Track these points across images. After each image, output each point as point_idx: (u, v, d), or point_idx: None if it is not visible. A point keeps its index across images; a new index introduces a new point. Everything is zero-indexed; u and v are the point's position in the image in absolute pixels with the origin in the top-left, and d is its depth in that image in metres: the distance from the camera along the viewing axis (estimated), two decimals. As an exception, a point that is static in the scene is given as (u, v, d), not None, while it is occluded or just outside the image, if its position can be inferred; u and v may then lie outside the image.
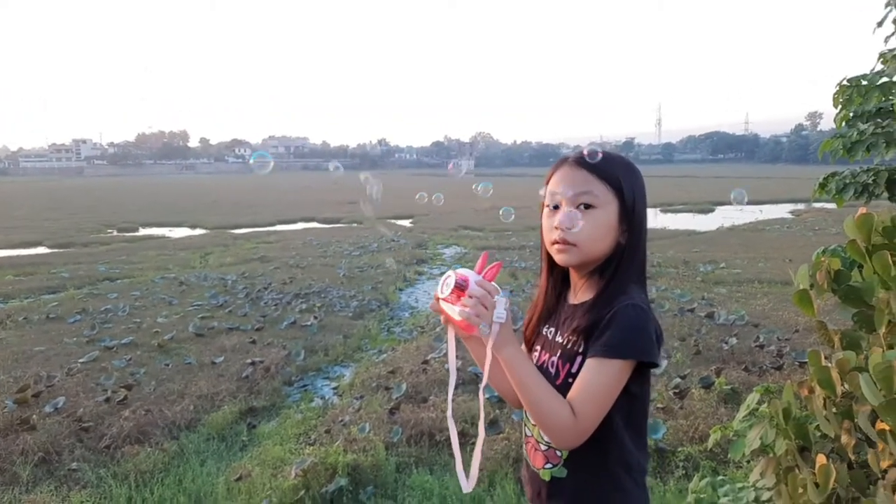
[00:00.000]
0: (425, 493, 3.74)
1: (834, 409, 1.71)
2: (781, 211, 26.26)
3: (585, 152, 1.45)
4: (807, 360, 1.80)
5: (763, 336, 6.83)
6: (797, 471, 1.86)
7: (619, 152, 1.55)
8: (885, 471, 1.53)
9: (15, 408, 4.93)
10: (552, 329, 1.54)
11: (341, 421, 4.83)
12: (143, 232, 21.82)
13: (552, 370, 1.46)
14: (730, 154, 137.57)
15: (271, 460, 4.22)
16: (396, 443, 4.39)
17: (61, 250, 16.88)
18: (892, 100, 4.17)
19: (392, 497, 3.77)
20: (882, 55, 4.46)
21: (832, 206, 5.00)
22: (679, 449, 4.15)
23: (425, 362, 6.16)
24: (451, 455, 4.23)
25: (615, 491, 1.44)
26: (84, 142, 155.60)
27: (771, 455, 2.13)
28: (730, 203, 30.09)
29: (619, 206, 1.42)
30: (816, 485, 1.65)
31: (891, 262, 1.52)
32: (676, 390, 5.14)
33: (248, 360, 6.39)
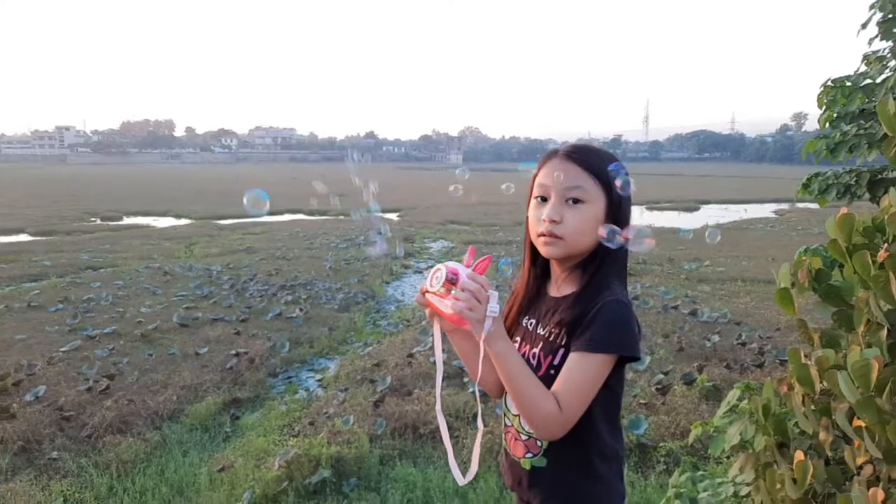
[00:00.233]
0: (408, 486, 3.75)
1: (812, 407, 1.74)
2: (765, 210, 26.51)
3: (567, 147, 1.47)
4: (787, 357, 1.83)
5: (745, 334, 6.91)
6: (775, 466, 1.89)
7: (607, 149, 1.57)
8: (861, 467, 1.56)
9: (-5, 396, 4.88)
10: (532, 321, 1.55)
11: (325, 413, 4.83)
12: (127, 221, 21.59)
13: (533, 362, 1.48)
14: (716, 153, 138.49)
15: (254, 451, 4.21)
16: (380, 435, 4.40)
17: (44, 238, 16.67)
18: (876, 101, 4.22)
19: (375, 489, 3.77)
20: (866, 57, 4.51)
21: (816, 206, 5.05)
22: (660, 444, 4.20)
23: (410, 356, 6.17)
24: (435, 448, 4.26)
25: (592, 479, 1.47)
26: (67, 129, 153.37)
27: (750, 451, 2.16)
28: (716, 202, 30.39)
29: (606, 201, 1.44)
30: (794, 480, 1.68)
31: (870, 261, 1.55)
32: (659, 386, 5.19)
33: (233, 352, 6.36)
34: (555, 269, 1.55)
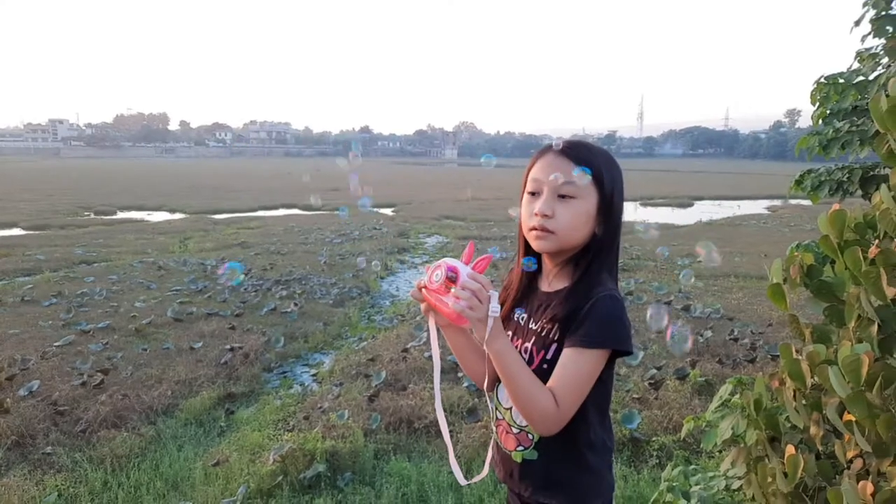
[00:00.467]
0: (403, 480, 3.76)
1: (803, 401, 1.76)
2: (759, 207, 26.57)
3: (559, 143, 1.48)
4: (779, 353, 1.84)
5: (737, 329, 6.95)
6: (767, 460, 1.91)
7: (601, 145, 1.58)
8: (851, 461, 1.58)
9: (-12, 391, 4.87)
10: (524, 315, 1.57)
11: (320, 408, 4.83)
12: (121, 215, 21.48)
13: (525, 356, 1.50)
14: (710, 149, 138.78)
15: (249, 446, 4.22)
16: (375, 430, 4.41)
17: (37, 232, 16.57)
18: (868, 98, 4.24)
19: (370, 483, 3.79)
20: (859, 54, 4.53)
21: (808, 202, 5.07)
22: (653, 439, 4.22)
23: (405, 350, 6.17)
24: (429, 442, 4.28)
25: (583, 470, 1.50)
26: (61, 122, 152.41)
27: (742, 445, 2.18)
28: (710, 199, 30.47)
29: (598, 197, 1.45)
30: (785, 474, 1.70)
31: (861, 257, 1.56)
32: (652, 381, 5.22)
33: (228, 346, 6.36)
34: (546, 263, 1.57)
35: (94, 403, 4.80)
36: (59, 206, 22.95)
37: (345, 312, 8.17)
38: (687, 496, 2.56)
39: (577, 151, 1.46)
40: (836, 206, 1.71)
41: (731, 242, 15.22)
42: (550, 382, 1.39)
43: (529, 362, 1.48)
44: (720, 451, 3.69)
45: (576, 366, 1.38)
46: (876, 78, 4.31)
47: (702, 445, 2.88)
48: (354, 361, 6.04)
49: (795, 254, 1.83)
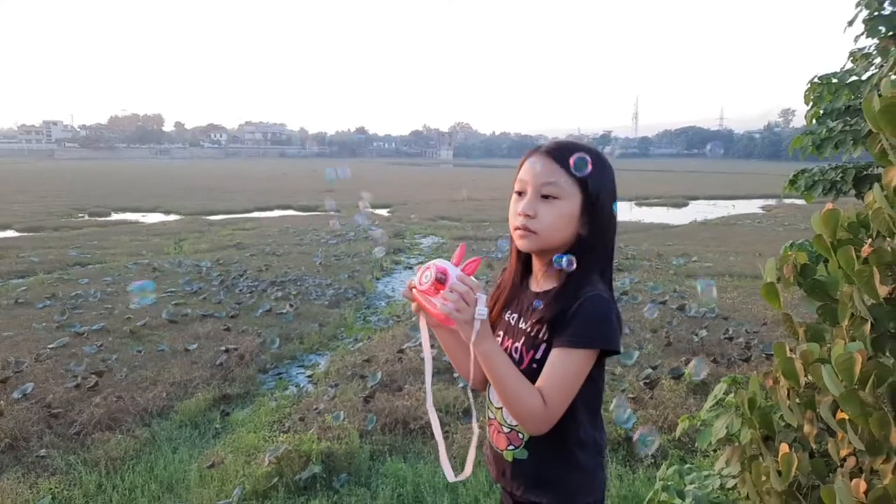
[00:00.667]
0: (399, 481, 3.76)
1: (797, 400, 1.77)
2: (753, 206, 26.66)
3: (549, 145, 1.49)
4: (773, 352, 1.85)
5: (732, 328, 6.97)
6: (761, 459, 1.92)
7: (596, 146, 1.58)
8: (844, 459, 1.59)
9: (-19, 394, 4.84)
10: (515, 315, 1.58)
11: (316, 409, 4.82)
12: (115, 217, 21.40)
13: (515, 356, 1.51)
14: (704, 149, 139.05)
15: (245, 447, 4.20)
16: (371, 431, 4.40)
17: (31, 234, 16.51)
18: (861, 98, 4.26)
19: (366, 485, 3.78)
20: (852, 54, 4.55)
21: (803, 201, 5.10)
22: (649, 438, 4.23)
23: (401, 351, 6.17)
24: (425, 443, 4.28)
25: (574, 469, 1.51)
26: (55, 123, 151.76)
27: (736, 444, 2.19)
28: (704, 198, 30.54)
29: (582, 198, 1.45)
30: (779, 473, 1.70)
31: (854, 256, 1.57)
32: (647, 381, 5.23)
33: (223, 348, 6.34)
34: (535, 263, 1.58)
35: (89, 406, 4.78)
36: (53, 207, 22.87)
37: (340, 313, 8.17)
38: (682, 495, 2.57)
39: (563, 153, 1.47)
40: (829, 206, 1.72)
41: (726, 242, 15.27)
42: (539, 382, 1.40)
43: (519, 362, 1.49)
44: (715, 450, 3.69)
45: (564, 365, 1.39)
46: (869, 78, 4.33)
47: (697, 444, 2.89)
48: (350, 362, 6.03)
49: (789, 253, 1.84)
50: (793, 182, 4.98)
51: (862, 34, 4.23)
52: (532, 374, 1.43)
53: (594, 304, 1.40)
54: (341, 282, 10.05)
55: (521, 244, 1.50)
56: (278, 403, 5.15)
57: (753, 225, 19.55)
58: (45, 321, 7.37)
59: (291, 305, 8.25)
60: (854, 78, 4.44)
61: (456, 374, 5.32)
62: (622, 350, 1.45)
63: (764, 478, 1.84)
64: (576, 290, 1.43)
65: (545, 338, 1.45)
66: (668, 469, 2.92)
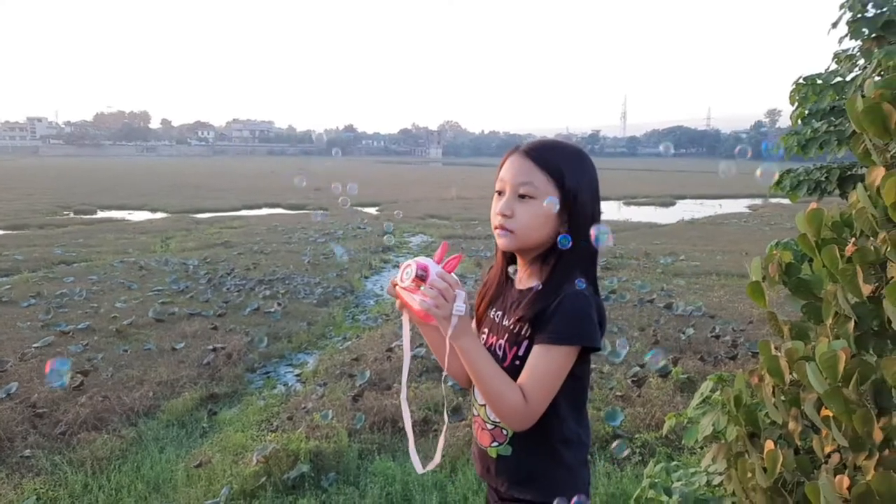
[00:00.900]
0: (387, 480, 3.76)
1: (782, 397, 1.78)
2: (740, 205, 26.86)
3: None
4: (758, 350, 1.86)
5: (719, 327, 7.02)
6: (747, 456, 1.93)
7: (585, 145, 1.59)
8: (829, 455, 1.60)
9: (-35, 393, 4.78)
10: (499, 312, 1.60)
11: (304, 408, 4.81)
12: (101, 215, 21.20)
13: (499, 353, 1.53)
14: (692, 149, 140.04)
15: (232, 447, 4.19)
16: (359, 430, 4.40)
17: (15, 232, 16.31)
18: (845, 99, 4.30)
19: (354, 483, 3.78)
20: (836, 55, 4.59)
21: (788, 201, 5.15)
22: (636, 435, 4.26)
23: (389, 350, 6.17)
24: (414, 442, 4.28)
25: (557, 466, 1.52)
26: (39, 120, 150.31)
27: (722, 441, 2.21)
28: (692, 197, 30.71)
29: (559, 197, 1.46)
30: (764, 469, 1.72)
31: (838, 255, 1.58)
32: (634, 378, 5.26)
33: (210, 347, 6.30)
34: (519, 261, 1.60)
35: (74, 405, 4.74)
36: (38, 205, 22.61)
37: (329, 312, 8.14)
38: (669, 492, 2.59)
39: (539, 153, 1.48)
40: (813, 205, 1.74)
41: (713, 241, 15.38)
42: (520, 378, 1.42)
43: (503, 359, 1.51)
44: (701, 448, 3.73)
45: (544, 362, 1.40)
46: (853, 79, 4.38)
47: (683, 441, 2.91)
48: (338, 361, 6.02)
49: (774, 252, 1.85)
50: (779, 182, 5.03)
51: (846, 36, 4.28)
52: (515, 370, 1.44)
53: (573, 301, 1.41)
54: (330, 280, 10.02)
55: (501, 243, 1.53)
56: (266, 402, 5.13)
57: (740, 224, 19.71)
58: (30, 320, 7.30)
59: (279, 304, 8.22)
60: (838, 79, 4.49)
61: (445, 373, 5.32)
62: (601, 346, 1.46)
63: (749, 474, 1.85)
64: (557, 288, 1.44)
65: (527, 334, 1.47)
66: (655, 466, 2.93)
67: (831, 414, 1.49)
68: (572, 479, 1.53)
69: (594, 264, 1.55)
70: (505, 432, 1.53)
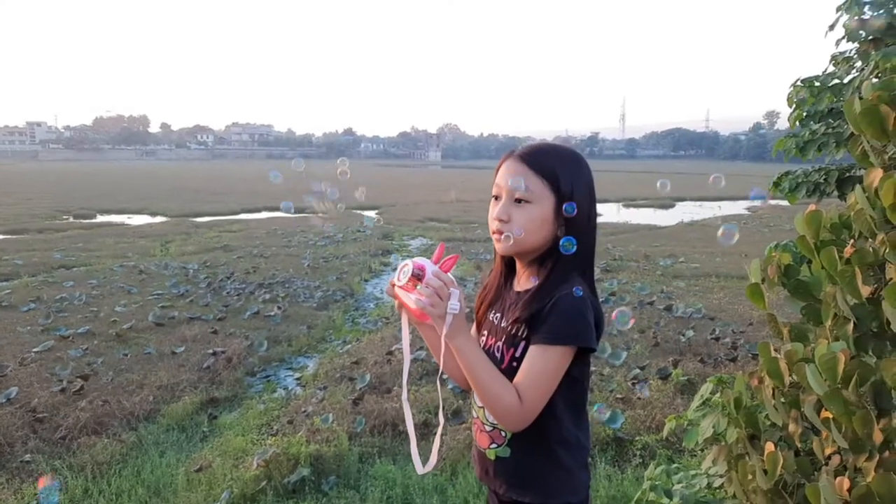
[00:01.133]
0: (388, 483, 3.75)
1: (782, 399, 1.78)
2: (739, 207, 26.88)
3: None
4: (758, 352, 1.87)
5: (719, 329, 7.02)
6: (747, 458, 1.94)
7: (584, 147, 1.60)
8: (829, 457, 1.61)
9: (-35, 398, 4.78)
10: (498, 314, 1.61)
11: (304, 411, 4.81)
12: (100, 219, 21.19)
13: (497, 354, 1.54)
14: (690, 151, 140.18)
15: (233, 451, 4.18)
16: (360, 433, 4.40)
17: (14, 237, 16.30)
18: (843, 101, 4.31)
19: (355, 487, 3.77)
20: (834, 57, 4.60)
21: (787, 203, 5.16)
22: (637, 438, 4.25)
23: (390, 353, 6.16)
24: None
25: (556, 468, 1.52)
26: (38, 124, 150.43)
27: (723, 443, 2.21)
28: (691, 200, 30.74)
29: (555, 200, 1.47)
30: (765, 471, 1.72)
31: (837, 257, 1.59)
32: (635, 381, 5.26)
33: (210, 351, 6.30)
34: (517, 264, 1.62)
35: (74, 410, 4.73)
36: (37, 209, 22.62)
37: (329, 315, 8.14)
38: (669, 494, 2.59)
39: (534, 157, 1.49)
40: (812, 207, 1.74)
41: (713, 243, 15.37)
42: (515, 379, 1.42)
43: (501, 360, 1.52)
44: (702, 450, 3.73)
45: (540, 362, 1.41)
46: (850, 81, 4.39)
47: (684, 444, 2.91)
48: (338, 364, 6.02)
49: (773, 254, 1.86)
50: (777, 184, 5.04)
51: (843, 38, 4.29)
52: (512, 372, 1.45)
53: (568, 302, 1.41)
54: (329, 284, 10.02)
55: (498, 247, 1.54)
56: (266, 406, 5.12)
57: (739, 226, 19.69)
58: (30, 324, 7.29)
59: (279, 308, 8.22)
60: (836, 81, 4.50)
61: (445, 376, 5.32)
62: (597, 347, 1.47)
63: (750, 476, 1.86)
64: (552, 289, 1.45)
65: (524, 336, 1.48)
66: (655, 469, 2.93)
67: (831, 416, 1.50)
68: (571, 482, 1.53)
69: (591, 266, 1.56)
70: (503, 434, 1.54)
